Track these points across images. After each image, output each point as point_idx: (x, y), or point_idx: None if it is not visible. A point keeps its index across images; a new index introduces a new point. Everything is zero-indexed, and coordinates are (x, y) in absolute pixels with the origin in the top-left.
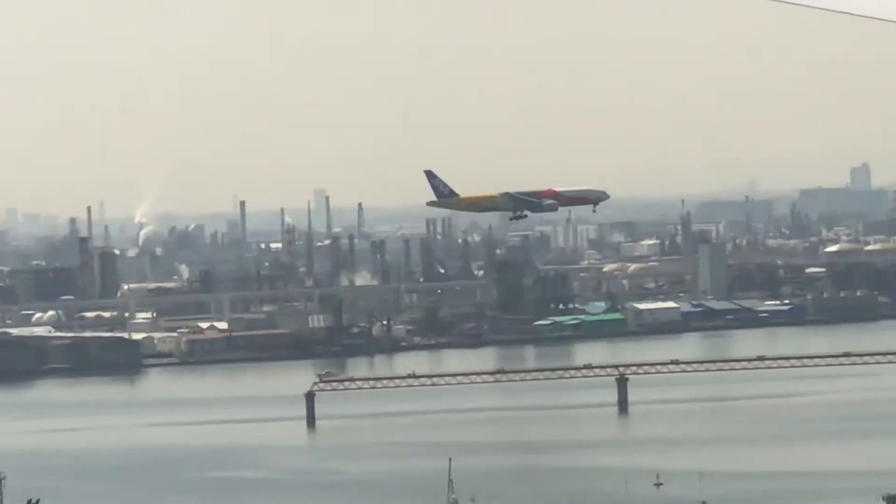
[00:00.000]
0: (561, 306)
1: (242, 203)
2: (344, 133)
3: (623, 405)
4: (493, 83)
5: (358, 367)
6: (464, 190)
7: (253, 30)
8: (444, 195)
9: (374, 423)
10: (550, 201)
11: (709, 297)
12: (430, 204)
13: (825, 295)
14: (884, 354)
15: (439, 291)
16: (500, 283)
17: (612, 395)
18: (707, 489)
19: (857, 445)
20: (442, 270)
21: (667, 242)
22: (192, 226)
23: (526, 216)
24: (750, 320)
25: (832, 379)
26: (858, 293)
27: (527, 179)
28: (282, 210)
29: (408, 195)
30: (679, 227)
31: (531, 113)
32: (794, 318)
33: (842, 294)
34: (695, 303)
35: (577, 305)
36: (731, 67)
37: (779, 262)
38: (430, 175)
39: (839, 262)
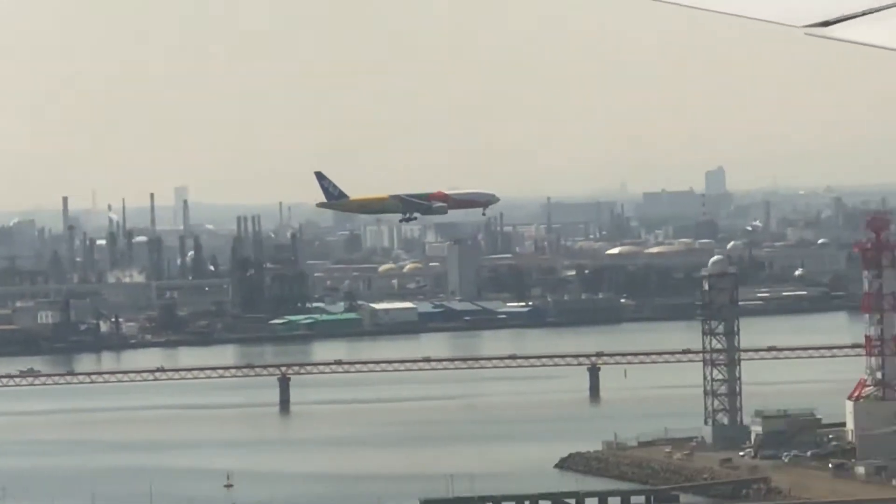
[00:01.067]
0: (309, 305)
1: (65, 199)
2: (231, 132)
3: (285, 405)
4: (389, 84)
5: (83, 363)
6: (354, 191)
7: (131, 24)
8: (333, 197)
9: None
10: (440, 204)
11: (457, 298)
12: (320, 205)
13: (566, 297)
14: (562, 357)
15: (171, 292)
16: (242, 281)
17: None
18: (277, 490)
19: (448, 449)
20: (212, 268)
21: (469, 242)
22: (16, 221)
23: (416, 218)
24: (489, 321)
25: (508, 381)
26: (601, 295)
27: (419, 181)
28: (108, 206)
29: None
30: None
31: (425, 114)
32: (533, 319)
33: (583, 297)
34: (436, 303)
35: (321, 304)
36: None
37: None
38: (319, 176)
39: (589, 264)
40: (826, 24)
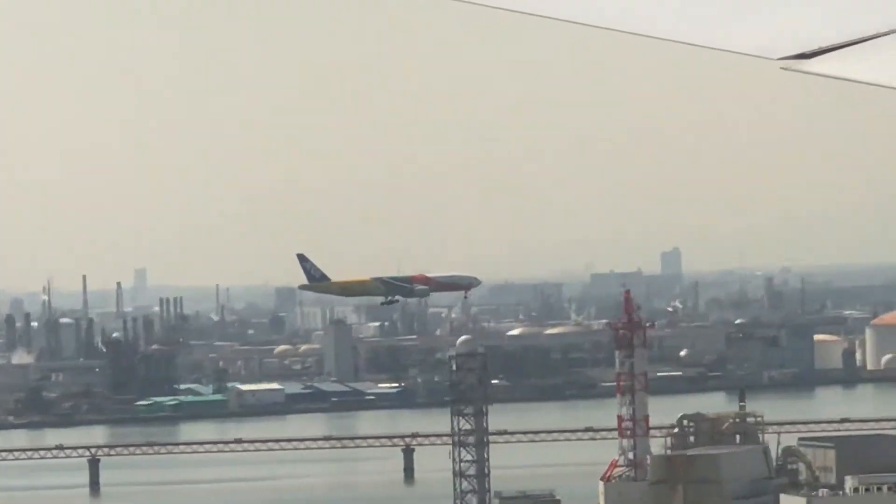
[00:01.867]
0: (180, 386)
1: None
2: (205, 212)
3: (95, 487)
4: (368, 167)
5: None
6: (336, 274)
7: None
8: (315, 279)
9: None
10: (422, 287)
11: (331, 379)
12: (302, 287)
13: (436, 378)
14: (364, 438)
15: (56, 374)
16: (113, 362)
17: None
18: None
19: None
20: (103, 349)
21: (386, 324)
22: None
23: (398, 301)
24: (357, 402)
25: (322, 463)
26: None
27: (399, 264)
28: (43, 287)
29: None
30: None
31: (404, 198)
32: (402, 400)
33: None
34: (306, 384)
35: (193, 386)
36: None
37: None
38: (301, 259)
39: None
40: (803, 56)
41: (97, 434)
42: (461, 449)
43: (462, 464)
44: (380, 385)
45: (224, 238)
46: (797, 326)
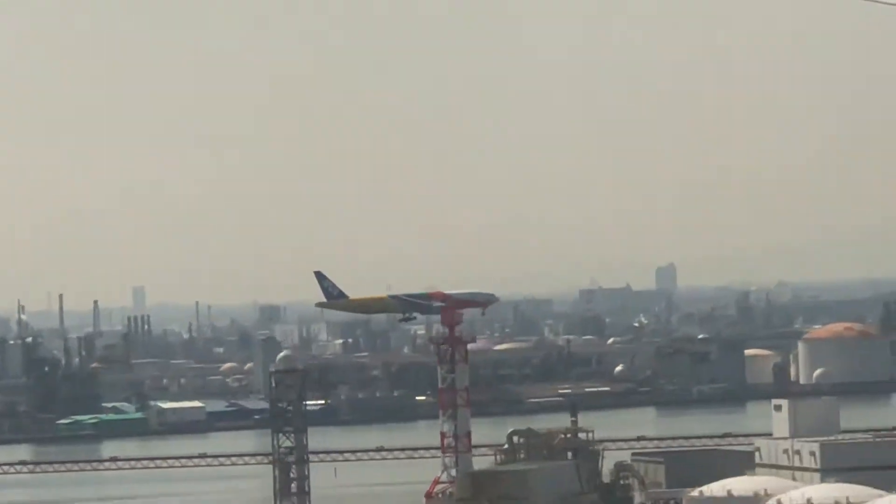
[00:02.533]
0: (109, 405)
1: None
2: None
3: None
4: (388, 182)
5: None
6: (353, 291)
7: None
8: (333, 296)
9: None
10: (439, 304)
11: (259, 397)
12: (320, 305)
13: (360, 395)
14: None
15: None
16: (39, 381)
17: None
18: None
19: None
20: (46, 369)
21: (350, 341)
22: None
23: (415, 318)
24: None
25: (195, 482)
26: (396, 393)
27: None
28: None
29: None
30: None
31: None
32: (325, 417)
33: (377, 394)
34: (231, 402)
35: (117, 405)
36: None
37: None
38: (319, 276)
39: (394, 362)
40: None
41: (12, 452)
42: (279, 468)
43: (280, 483)
44: (305, 402)
45: (232, 255)
46: (728, 341)
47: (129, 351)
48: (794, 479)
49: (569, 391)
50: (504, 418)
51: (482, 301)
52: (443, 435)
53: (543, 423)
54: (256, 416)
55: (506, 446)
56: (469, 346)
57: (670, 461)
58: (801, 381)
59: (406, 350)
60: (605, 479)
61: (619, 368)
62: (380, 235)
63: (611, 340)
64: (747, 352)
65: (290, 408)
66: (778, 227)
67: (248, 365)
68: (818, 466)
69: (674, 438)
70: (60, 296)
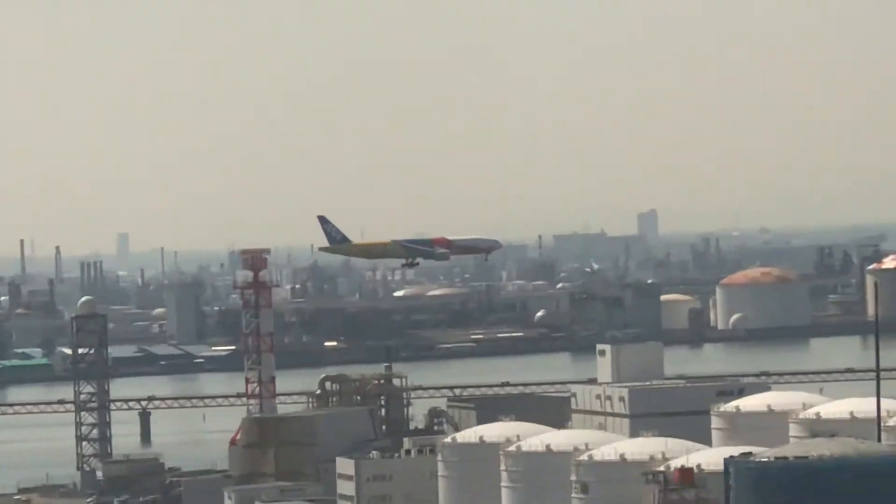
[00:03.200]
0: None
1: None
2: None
3: None
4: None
5: None
6: (358, 235)
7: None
8: (336, 241)
9: None
10: (442, 250)
11: (172, 343)
12: (323, 249)
13: (287, 340)
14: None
15: None
16: None
17: None
18: None
19: None
20: None
21: (297, 286)
22: None
23: (418, 264)
24: (184, 365)
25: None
26: (305, 339)
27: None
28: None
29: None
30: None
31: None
32: (232, 363)
33: (286, 340)
34: (140, 348)
35: (25, 351)
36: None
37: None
38: (323, 220)
39: (310, 308)
40: None
41: None
42: (82, 414)
43: (83, 427)
44: (213, 348)
45: (231, 201)
46: (644, 286)
47: (53, 297)
48: (603, 425)
49: (481, 336)
50: (413, 364)
51: (485, 247)
52: (247, 381)
53: (453, 368)
54: (162, 362)
55: (318, 392)
56: (398, 293)
57: (481, 406)
58: (720, 326)
59: (358, 296)
60: (420, 424)
61: (539, 314)
62: (384, 184)
63: (560, 286)
64: (663, 297)
65: (91, 352)
66: (781, 173)
67: (159, 310)
68: (627, 412)
69: (501, 386)
70: (21, 241)
